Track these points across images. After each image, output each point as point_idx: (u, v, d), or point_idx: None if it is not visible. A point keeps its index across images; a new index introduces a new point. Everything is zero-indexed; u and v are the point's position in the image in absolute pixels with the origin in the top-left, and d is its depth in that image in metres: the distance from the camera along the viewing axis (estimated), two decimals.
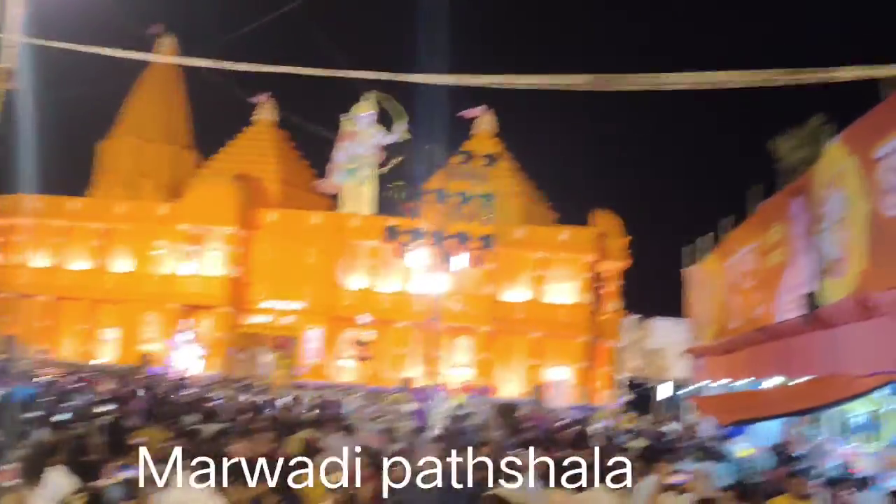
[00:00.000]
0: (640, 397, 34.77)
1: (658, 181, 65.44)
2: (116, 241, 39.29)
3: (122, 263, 39.17)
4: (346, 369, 36.70)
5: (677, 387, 41.06)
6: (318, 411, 15.19)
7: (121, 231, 39.13)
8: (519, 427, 14.05)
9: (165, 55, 43.98)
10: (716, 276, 21.56)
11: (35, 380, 19.87)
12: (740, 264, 18.71)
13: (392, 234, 17.97)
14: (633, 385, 36.28)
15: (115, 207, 39.31)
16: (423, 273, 19.30)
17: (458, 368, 36.24)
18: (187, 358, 32.94)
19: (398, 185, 20.25)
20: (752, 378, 16.29)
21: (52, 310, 38.75)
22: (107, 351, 37.96)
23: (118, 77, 52.98)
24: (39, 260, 39.73)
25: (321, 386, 30.34)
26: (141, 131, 42.06)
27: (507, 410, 14.07)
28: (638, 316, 38.86)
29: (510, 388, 35.51)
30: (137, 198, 40.34)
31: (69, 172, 45.40)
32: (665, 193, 64.36)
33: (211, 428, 9.55)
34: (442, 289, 18.48)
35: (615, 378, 37.24)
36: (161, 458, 6.13)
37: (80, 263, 39.36)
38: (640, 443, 14.45)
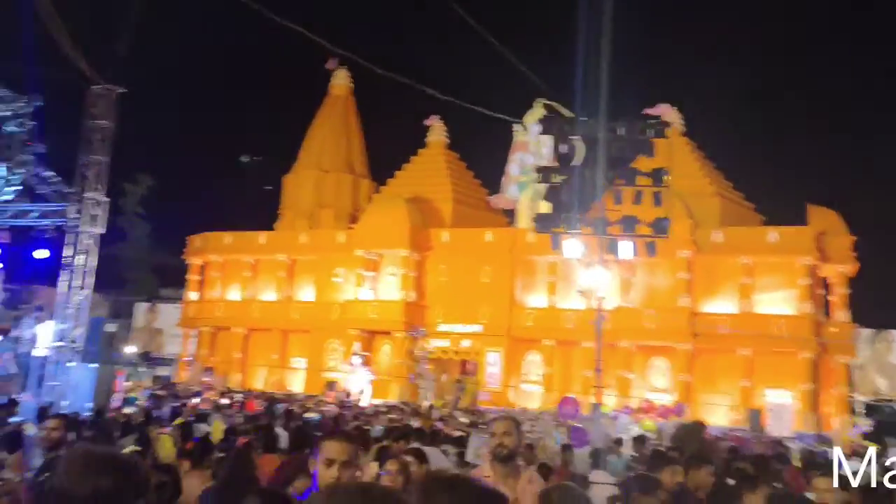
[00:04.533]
0: (884, 423, 28.75)
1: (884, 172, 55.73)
2: (301, 272, 39.82)
3: (306, 293, 39.55)
4: (530, 394, 33.94)
5: None
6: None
7: (304, 262, 39.61)
8: (704, 453, 10.68)
9: (342, 87, 44.87)
10: None
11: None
12: None
13: (544, 224, 15.16)
14: (875, 408, 30.14)
15: (298, 238, 39.88)
16: (582, 267, 16.31)
17: (655, 392, 32.18)
18: (360, 383, 31.86)
19: (560, 179, 17.33)
20: None
21: (245, 341, 39.88)
22: (296, 379, 38.17)
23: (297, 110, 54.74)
24: (233, 294, 41.16)
25: (502, 412, 27.83)
26: (320, 163, 42.78)
27: (691, 431, 10.72)
28: (873, 329, 32.88)
29: (718, 414, 30.79)
30: (319, 228, 40.76)
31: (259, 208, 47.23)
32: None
33: None
34: (604, 284, 15.34)
35: (851, 401, 31.22)
36: None
37: (269, 295, 40.24)
38: None
